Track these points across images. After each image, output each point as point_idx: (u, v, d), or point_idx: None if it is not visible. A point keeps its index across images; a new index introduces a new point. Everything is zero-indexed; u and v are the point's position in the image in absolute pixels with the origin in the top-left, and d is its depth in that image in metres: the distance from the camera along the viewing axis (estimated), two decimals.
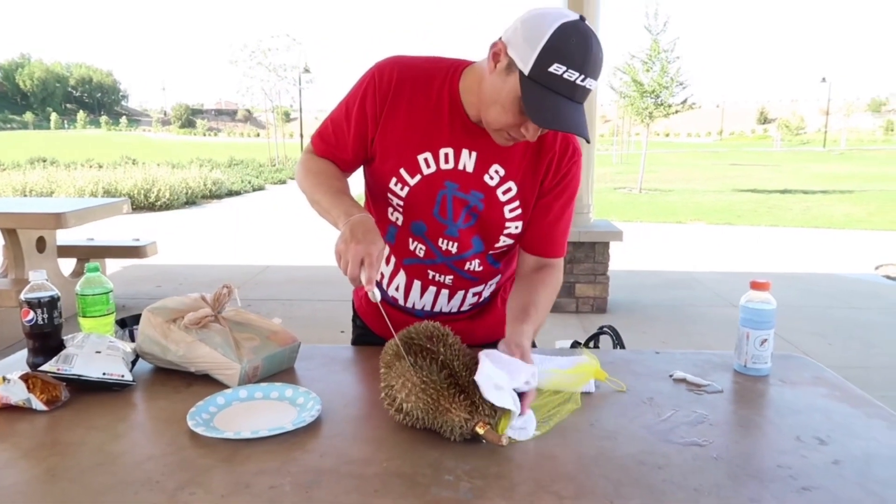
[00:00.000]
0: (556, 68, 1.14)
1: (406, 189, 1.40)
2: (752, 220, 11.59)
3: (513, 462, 1.05)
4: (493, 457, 1.06)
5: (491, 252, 1.48)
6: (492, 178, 1.38)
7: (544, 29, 1.14)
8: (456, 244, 1.45)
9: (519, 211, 1.42)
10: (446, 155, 1.37)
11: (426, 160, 1.38)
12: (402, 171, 1.39)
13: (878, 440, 1.13)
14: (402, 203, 1.42)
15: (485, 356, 1.12)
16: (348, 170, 1.49)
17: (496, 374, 1.08)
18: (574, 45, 1.15)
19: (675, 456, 1.06)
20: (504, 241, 1.46)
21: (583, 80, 1.15)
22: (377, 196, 1.48)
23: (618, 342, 1.98)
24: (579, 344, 1.76)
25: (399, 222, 1.46)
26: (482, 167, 1.38)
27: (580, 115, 1.20)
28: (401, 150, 1.39)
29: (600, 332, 1.98)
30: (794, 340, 4.56)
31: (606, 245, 5.28)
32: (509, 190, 1.40)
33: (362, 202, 1.56)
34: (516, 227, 1.44)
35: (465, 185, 1.39)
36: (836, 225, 11.10)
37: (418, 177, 1.39)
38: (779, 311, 1.41)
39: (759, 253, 8.53)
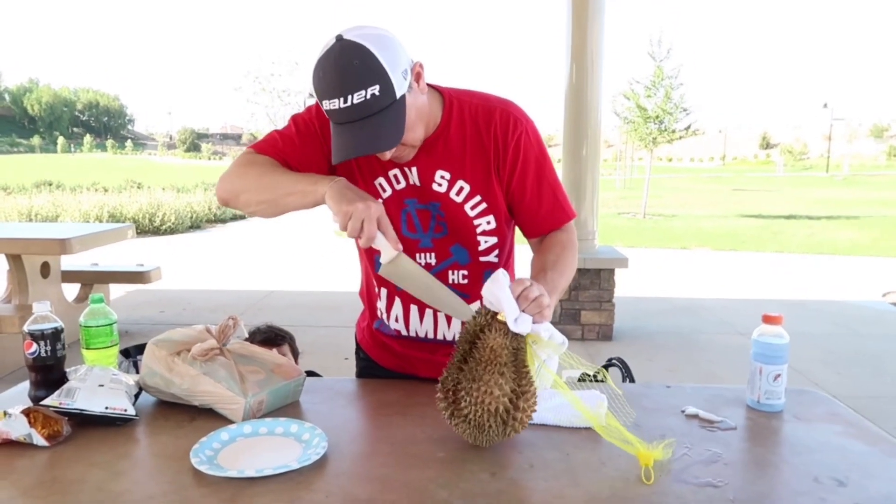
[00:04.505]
0: (324, 105, 1.21)
1: None
2: (757, 246, 11.55)
3: (523, 503, 1.02)
4: (502, 498, 1.03)
5: (482, 259, 1.47)
6: (440, 184, 1.40)
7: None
8: (433, 255, 1.45)
9: (483, 206, 1.42)
10: (395, 176, 1.42)
11: (381, 185, 1.43)
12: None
13: None
14: None
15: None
16: None
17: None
18: (320, 77, 1.20)
19: (690, 497, 1.04)
20: (486, 242, 1.45)
21: (340, 104, 1.18)
22: None
23: (627, 375, 1.95)
24: (588, 377, 1.73)
25: None
26: (426, 178, 1.40)
27: (368, 131, 1.20)
28: (361, 176, 1.43)
29: (609, 364, 1.96)
30: (802, 369, 4.51)
31: (612, 272, 5.26)
32: (462, 189, 1.40)
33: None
34: (488, 223, 1.43)
35: (422, 197, 1.42)
36: (841, 251, 11.05)
37: (380, 202, 1.38)
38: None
39: (764, 279, 8.49)
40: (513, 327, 1.13)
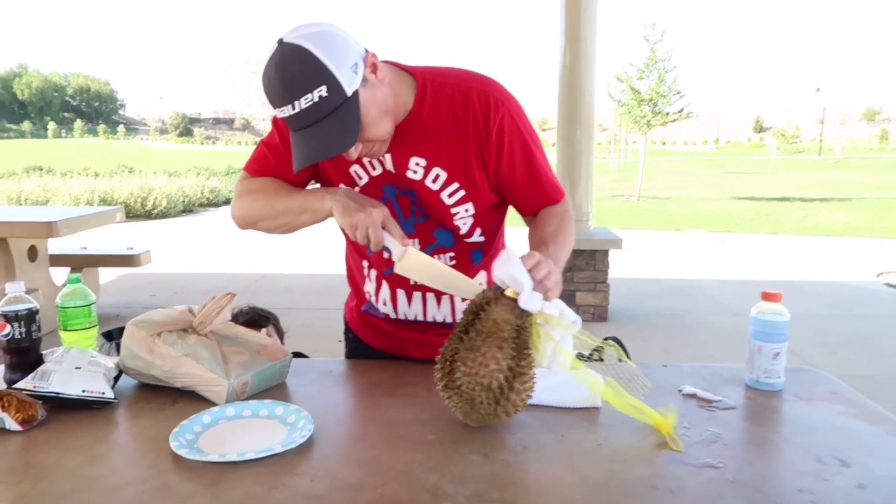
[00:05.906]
0: (277, 114, 1.17)
1: None
2: (752, 228, 11.54)
3: (517, 486, 0.98)
4: (495, 480, 0.99)
5: (467, 240, 1.43)
6: (415, 171, 1.34)
7: None
8: (417, 241, 1.41)
9: (461, 193, 1.36)
10: (371, 162, 1.36)
11: (356, 173, 1.38)
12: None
13: None
14: None
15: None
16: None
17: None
18: (266, 87, 1.16)
19: (689, 479, 1.00)
20: (466, 225, 1.40)
21: (290, 111, 1.14)
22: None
23: (623, 354, 1.91)
24: (583, 356, 1.69)
25: None
26: (401, 165, 1.34)
27: (322, 135, 1.16)
28: (334, 167, 1.38)
29: (605, 342, 1.92)
30: (797, 350, 4.49)
31: (606, 253, 5.23)
32: (438, 177, 1.34)
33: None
34: (466, 210, 1.38)
35: (400, 184, 1.37)
36: (835, 232, 11.05)
37: (356, 189, 1.37)
38: None
39: (759, 261, 8.48)
40: (523, 304, 1.10)
